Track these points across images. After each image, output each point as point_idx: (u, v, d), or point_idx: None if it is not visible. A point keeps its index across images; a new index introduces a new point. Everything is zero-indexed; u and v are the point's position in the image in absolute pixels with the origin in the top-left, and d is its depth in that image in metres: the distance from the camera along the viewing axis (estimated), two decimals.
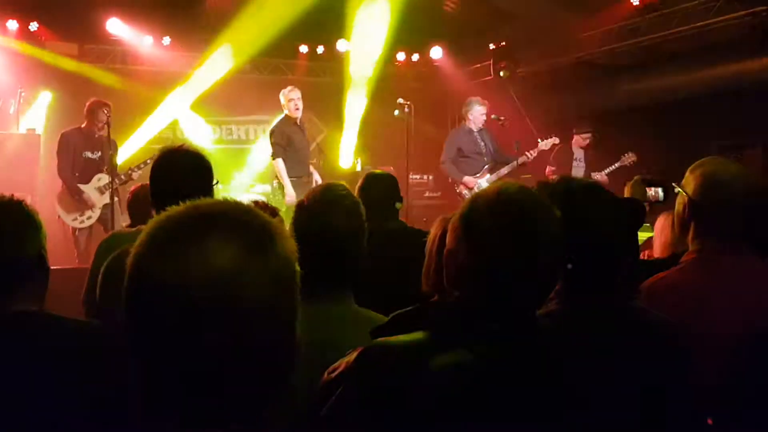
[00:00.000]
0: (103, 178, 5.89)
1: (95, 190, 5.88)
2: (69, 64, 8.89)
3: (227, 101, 9.74)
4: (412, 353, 1.25)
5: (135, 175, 5.92)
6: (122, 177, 5.88)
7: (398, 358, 1.26)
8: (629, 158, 7.10)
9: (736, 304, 1.80)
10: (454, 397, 1.17)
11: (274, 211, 2.43)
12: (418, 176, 9.31)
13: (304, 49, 10.50)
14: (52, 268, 1.72)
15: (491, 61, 10.21)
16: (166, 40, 9.55)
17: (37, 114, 8.71)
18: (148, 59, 9.62)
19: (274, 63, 10.50)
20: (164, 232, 0.89)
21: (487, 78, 10.14)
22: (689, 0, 7.50)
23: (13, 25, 8.60)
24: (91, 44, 9.32)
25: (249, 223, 0.90)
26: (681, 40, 8.05)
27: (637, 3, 7.81)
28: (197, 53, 9.98)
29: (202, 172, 2.27)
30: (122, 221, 5.12)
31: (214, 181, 2.31)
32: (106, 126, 5.77)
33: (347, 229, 1.79)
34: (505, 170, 6.92)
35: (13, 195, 1.69)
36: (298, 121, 6.49)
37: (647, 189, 2.96)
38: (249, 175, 9.92)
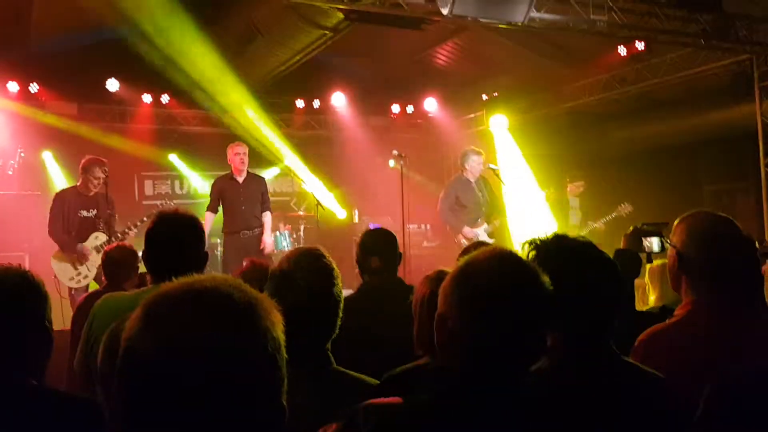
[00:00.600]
0: (100, 237, 5.90)
1: (92, 249, 5.88)
2: (68, 124, 9.03)
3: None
4: (409, 418, 1.26)
5: (132, 233, 5.91)
6: (119, 235, 5.88)
7: (398, 422, 1.27)
8: (625, 209, 7.17)
9: (731, 356, 1.80)
10: None
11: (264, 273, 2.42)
12: (415, 226, 9.36)
13: (300, 103, 10.69)
14: None
15: (484, 112, 10.42)
16: (165, 98, 9.72)
17: (36, 174, 8.80)
18: (147, 117, 9.77)
19: (270, 117, 10.68)
20: (158, 310, 0.92)
21: (480, 128, 10.32)
22: (675, 50, 7.69)
23: (13, 86, 8.77)
24: (91, 104, 9.50)
25: (237, 300, 0.94)
26: (668, 88, 8.23)
27: (625, 54, 8.00)
28: (196, 110, 10.17)
29: (195, 236, 2.33)
30: None
31: (206, 246, 2.38)
32: (103, 184, 5.81)
33: (321, 294, 1.80)
34: (498, 222, 7.04)
35: (20, 265, 1.69)
36: (241, 176, 6.52)
37: (643, 239, 3.01)
38: None
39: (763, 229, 7.15)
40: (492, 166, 7.16)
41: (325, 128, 11.08)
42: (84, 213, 5.93)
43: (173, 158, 9.90)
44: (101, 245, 5.84)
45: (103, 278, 4.25)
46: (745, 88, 7.29)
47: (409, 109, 11.25)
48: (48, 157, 9.04)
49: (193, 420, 0.87)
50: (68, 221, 5.87)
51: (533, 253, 1.56)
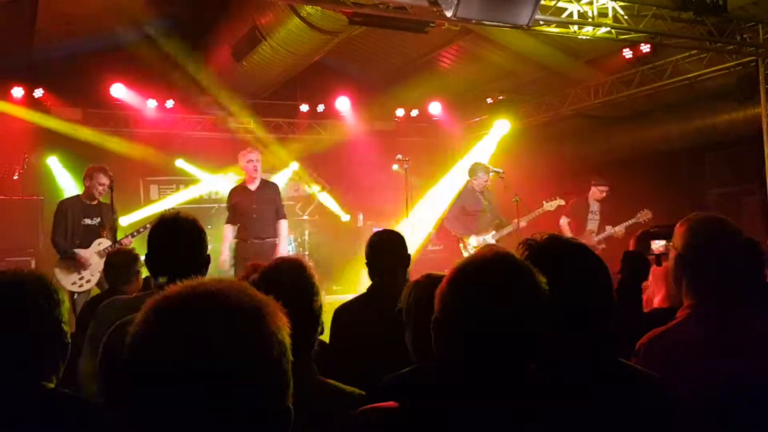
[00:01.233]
0: (103, 242, 5.91)
1: (95, 254, 5.88)
2: (73, 129, 9.06)
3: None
4: (406, 421, 1.25)
5: (126, 241, 5.86)
6: (120, 242, 5.86)
7: (396, 426, 1.25)
8: (645, 215, 7.10)
9: (729, 358, 1.79)
10: None
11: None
12: (419, 229, 9.32)
13: (304, 107, 10.71)
14: None
15: (489, 115, 10.40)
16: (170, 103, 9.74)
17: (41, 179, 8.83)
18: (151, 122, 9.80)
19: (275, 122, 10.71)
20: (162, 312, 0.92)
21: (485, 131, 10.30)
22: (680, 52, 7.65)
23: (18, 92, 8.82)
24: (95, 109, 9.53)
25: (243, 303, 0.93)
26: (673, 91, 8.19)
27: (630, 56, 7.97)
28: (201, 115, 10.21)
29: (196, 240, 2.32)
30: None
31: (208, 248, 2.36)
32: (109, 190, 5.81)
33: (300, 310, 1.79)
34: (506, 231, 7.08)
35: (36, 270, 1.69)
36: (254, 183, 6.36)
37: (651, 242, 2.99)
38: None
39: None
40: (496, 169, 7.19)
41: (330, 132, 11.09)
42: (88, 221, 5.95)
43: (180, 163, 9.90)
44: (104, 250, 5.85)
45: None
46: (751, 91, 7.24)
47: (414, 113, 11.24)
48: (53, 162, 9.07)
49: (199, 422, 0.87)
50: (72, 229, 5.89)
51: (526, 253, 1.55)
